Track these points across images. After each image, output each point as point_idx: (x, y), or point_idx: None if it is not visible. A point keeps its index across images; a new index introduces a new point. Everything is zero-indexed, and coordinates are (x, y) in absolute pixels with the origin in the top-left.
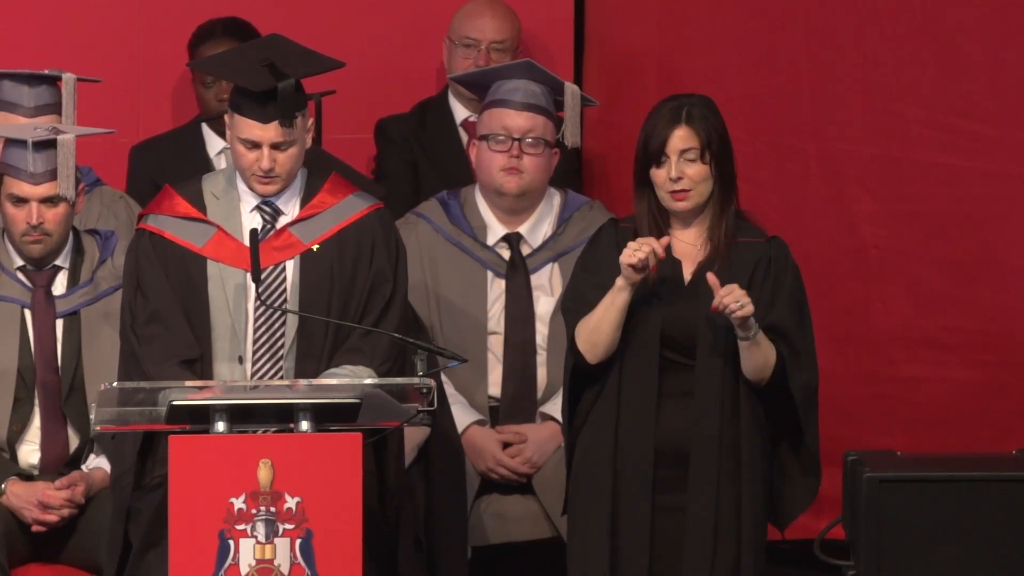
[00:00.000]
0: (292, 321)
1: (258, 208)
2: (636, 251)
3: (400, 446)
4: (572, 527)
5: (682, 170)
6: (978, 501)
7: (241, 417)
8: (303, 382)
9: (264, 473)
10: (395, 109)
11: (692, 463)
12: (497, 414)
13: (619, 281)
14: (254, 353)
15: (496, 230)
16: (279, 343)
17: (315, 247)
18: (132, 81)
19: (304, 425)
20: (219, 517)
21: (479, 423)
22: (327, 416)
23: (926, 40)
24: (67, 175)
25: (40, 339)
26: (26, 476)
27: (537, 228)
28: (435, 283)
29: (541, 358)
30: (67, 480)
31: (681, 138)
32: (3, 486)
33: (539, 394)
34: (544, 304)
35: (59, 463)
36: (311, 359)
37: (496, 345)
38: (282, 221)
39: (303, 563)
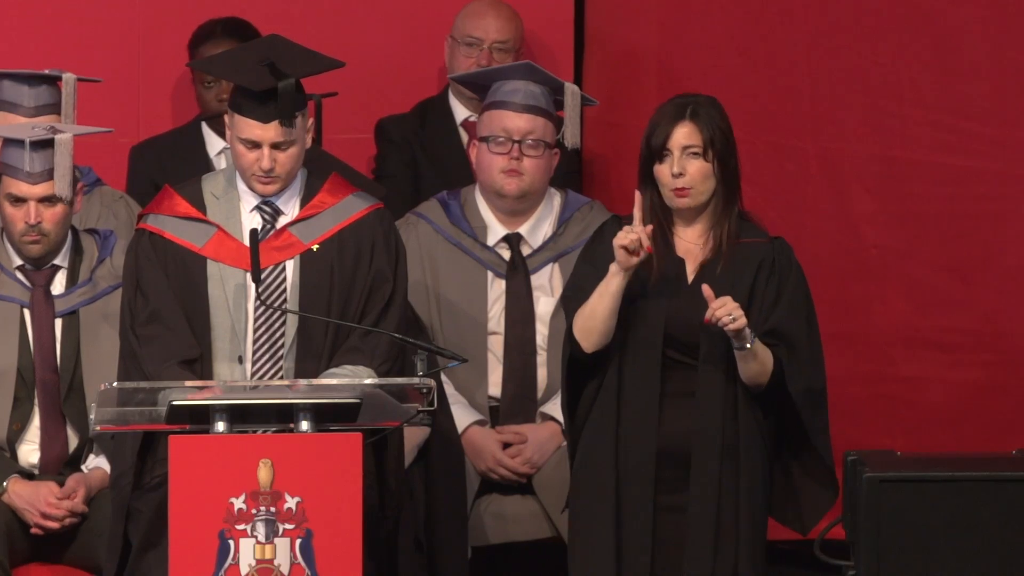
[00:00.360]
0: (292, 321)
1: (258, 208)
2: (628, 233)
3: (400, 446)
4: (573, 527)
5: (684, 166)
6: (978, 501)
7: (241, 417)
8: (303, 382)
9: (264, 473)
10: (395, 109)
11: (694, 463)
12: (497, 414)
13: (613, 267)
14: (254, 353)
15: (496, 230)
16: (279, 343)
17: (315, 247)
18: (132, 81)
19: (304, 425)
20: (219, 517)
21: (479, 423)
22: (327, 416)
23: (926, 40)
24: (64, 175)
25: (39, 338)
26: (27, 475)
27: (537, 228)
28: (435, 283)
29: (541, 358)
30: (67, 489)
31: (684, 134)
32: (5, 484)
33: (539, 394)
34: (544, 304)
35: (59, 462)
36: (311, 359)
37: (496, 345)
38: (282, 221)
39: (303, 563)
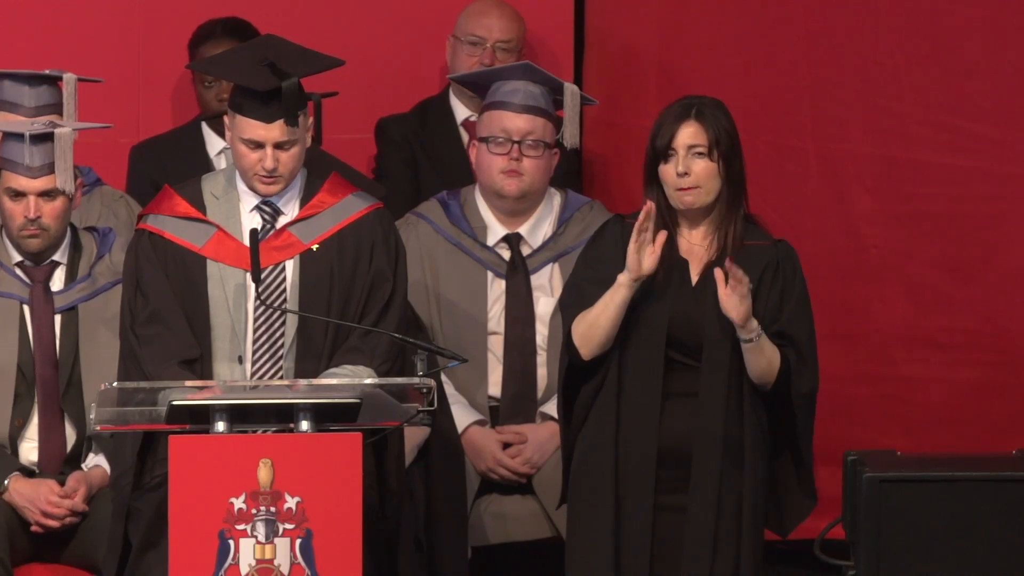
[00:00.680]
0: (292, 321)
1: (258, 208)
2: (649, 255)
3: (400, 446)
4: (572, 526)
5: (689, 165)
6: (978, 501)
7: (241, 417)
8: (303, 382)
9: (264, 473)
10: (395, 109)
11: (694, 463)
12: (497, 414)
13: (621, 277)
14: (254, 353)
15: (496, 230)
16: (279, 343)
17: (315, 247)
18: (132, 81)
19: (304, 425)
20: (219, 517)
21: (479, 423)
22: (327, 416)
23: (926, 40)
24: (65, 168)
25: (39, 335)
26: (28, 472)
27: (537, 228)
28: (435, 283)
29: (541, 358)
30: (68, 488)
31: (689, 134)
32: (6, 482)
33: (539, 394)
34: (544, 304)
35: (58, 460)
36: (311, 359)
37: (496, 345)
38: (282, 221)
39: (303, 563)
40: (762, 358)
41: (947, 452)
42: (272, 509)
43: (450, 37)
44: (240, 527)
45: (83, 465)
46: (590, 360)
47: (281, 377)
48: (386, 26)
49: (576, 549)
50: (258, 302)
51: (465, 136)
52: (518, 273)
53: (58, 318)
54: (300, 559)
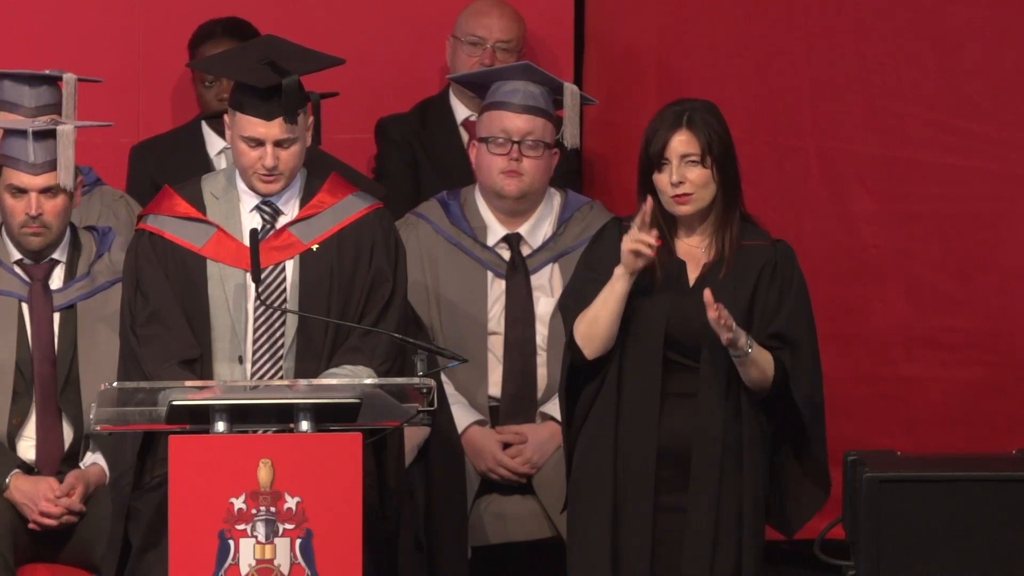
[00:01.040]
0: (292, 321)
1: (258, 208)
2: (637, 237)
3: (400, 446)
4: (572, 527)
5: (683, 174)
6: (978, 501)
7: (241, 417)
8: (303, 382)
9: (264, 473)
10: (395, 109)
11: (694, 464)
12: (497, 414)
13: (618, 270)
14: (254, 353)
15: (496, 230)
16: (279, 343)
17: (315, 247)
18: (132, 81)
19: (304, 425)
20: (219, 517)
21: (479, 423)
22: (327, 416)
23: (926, 40)
24: (66, 165)
25: (37, 333)
26: (28, 469)
27: (537, 228)
28: (435, 283)
29: (541, 358)
30: (66, 486)
31: (682, 142)
32: (7, 480)
33: (539, 394)
34: (544, 304)
35: (56, 458)
36: (311, 359)
37: (496, 345)
38: (282, 221)
39: (303, 563)
40: (754, 369)
41: (947, 452)
42: (272, 509)
43: (450, 37)
44: (240, 527)
45: (81, 463)
46: (592, 360)
47: (281, 377)
48: (386, 26)
49: (576, 549)
50: (258, 302)
51: (465, 136)
52: (518, 273)
53: (57, 316)
54: (300, 559)
